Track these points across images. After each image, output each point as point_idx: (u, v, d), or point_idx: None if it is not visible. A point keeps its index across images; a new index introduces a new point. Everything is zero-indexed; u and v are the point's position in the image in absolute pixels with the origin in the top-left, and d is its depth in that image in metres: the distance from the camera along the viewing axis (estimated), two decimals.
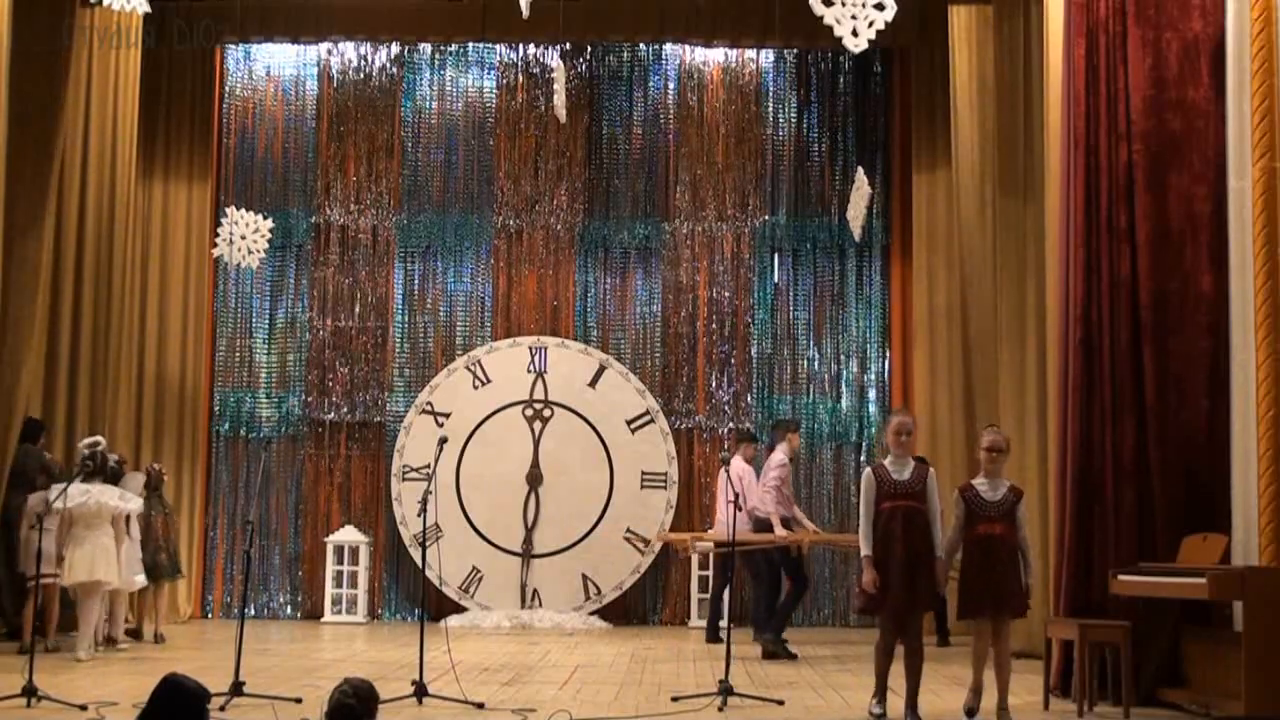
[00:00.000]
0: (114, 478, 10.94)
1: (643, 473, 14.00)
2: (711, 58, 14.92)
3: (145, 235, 14.10)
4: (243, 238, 12.90)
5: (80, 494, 10.26)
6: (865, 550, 7.56)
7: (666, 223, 14.78)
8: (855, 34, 8.88)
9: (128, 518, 10.86)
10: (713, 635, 12.17)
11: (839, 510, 14.42)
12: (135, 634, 11.84)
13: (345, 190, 14.81)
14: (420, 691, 8.10)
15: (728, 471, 9.89)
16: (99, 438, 10.94)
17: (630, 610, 14.17)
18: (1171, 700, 8.18)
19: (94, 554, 10.32)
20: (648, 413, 14.11)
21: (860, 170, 12.29)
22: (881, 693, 7.75)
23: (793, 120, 14.93)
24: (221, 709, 7.71)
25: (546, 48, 14.83)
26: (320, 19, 14.10)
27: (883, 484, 7.59)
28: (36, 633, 9.76)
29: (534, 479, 14.00)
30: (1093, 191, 8.88)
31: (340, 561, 13.88)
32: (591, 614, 13.73)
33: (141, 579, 11.47)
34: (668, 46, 14.86)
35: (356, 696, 5.07)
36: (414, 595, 14.12)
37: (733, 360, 14.60)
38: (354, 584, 13.88)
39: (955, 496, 7.83)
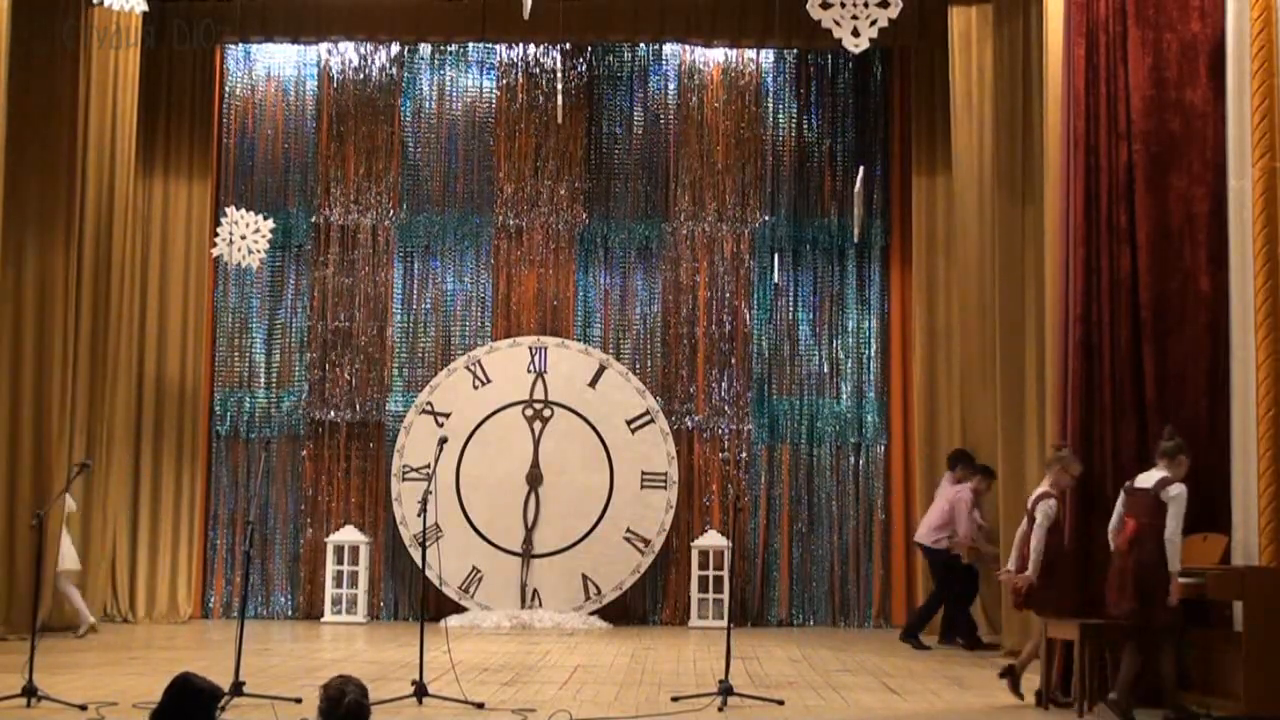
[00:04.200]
0: None
1: (643, 473, 14.00)
2: (711, 58, 14.90)
3: (145, 235, 14.10)
4: (243, 238, 12.90)
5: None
6: (1179, 565, 7.88)
7: (666, 223, 14.77)
8: (856, 34, 8.89)
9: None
10: (912, 637, 12.16)
11: (840, 511, 14.40)
12: None
13: (345, 190, 14.79)
14: (420, 691, 8.11)
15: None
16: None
17: (630, 610, 14.15)
18: None
19: (73, 547, 12.12)
20: (648, 413, 14.11)
21: (861, 170, 12.32)
22: None
23: (793, 121, 14.92)
24: (222, 709, 7.71)
25: (546, 48, 14.82)
26: (320, 19, 14.10)
27: None
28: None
29: (534, 479, 14.00)
30: (1093, 191, 8.89)
31: (340, 561, 13.87)
32: (591, 614, 13.72)
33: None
34: (668, 47, 14.84)
35: (363, 693, 5.07)
36: (414, 595, 14.10)
37: (733, 360, 14.59)
38: (354, 584, 13.87)
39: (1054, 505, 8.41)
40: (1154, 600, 7.84)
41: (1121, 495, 8.19)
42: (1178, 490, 7.88)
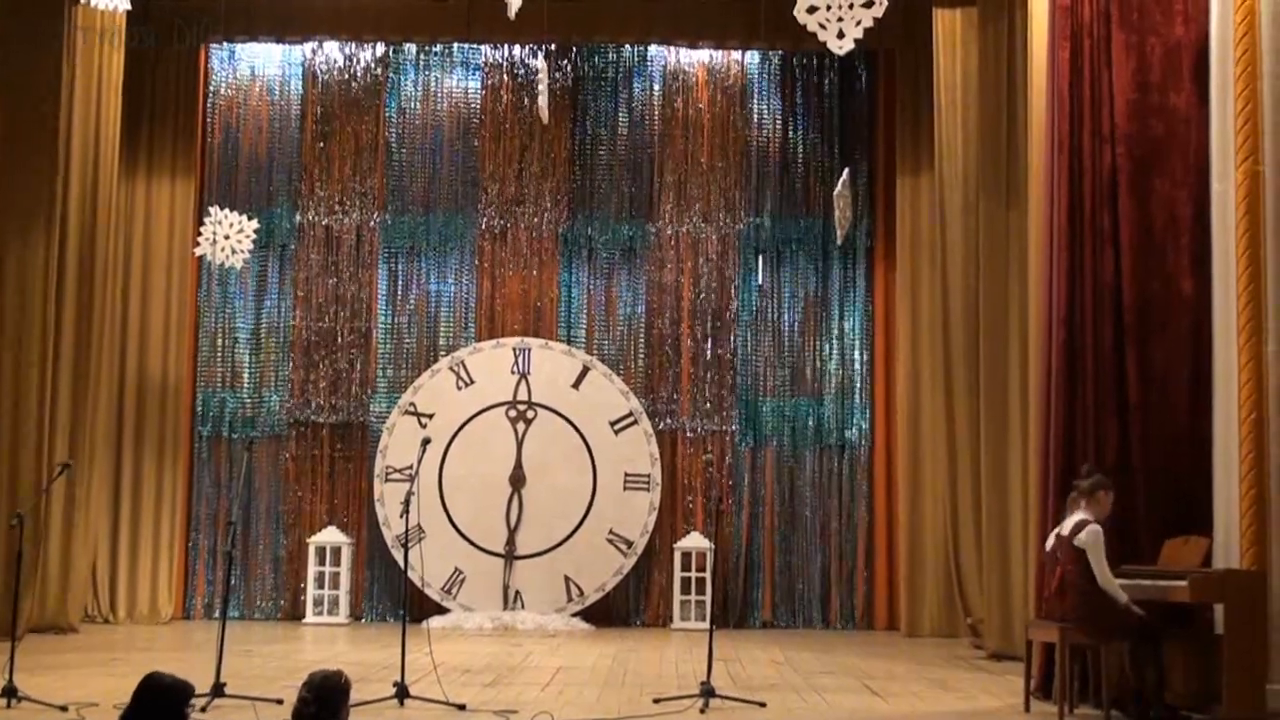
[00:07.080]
0: None
1: (625, 474, 13.99)
2: (696, 59, 14.91)
3: (128, 235, 14.04)
4: (226, 237, 12.85)
5: None
6: (1125, 597, 7.92)
7: (651, 224, 14.76)
8: (841, 35, 8.87)
9: None
10: None
11: (823, 513, 14.40)
12: None
13: (329, 190, 14.75)
14: (402, 693, 8.08)
15: None
16: None
17: (613, 612, 14.13)
18: None
19: None
20: (631, 414, 14.10)
21: (846, 171, 12.33)
22: None
23: (777, 122, 14.93)
24: (203, 710, 7.70)
25: (532, 48, 14.80)
26: (305, 19, 14.07)
27: None
28: None
29: (517, 480, 13.98)
30: (1076, 194, 8.91)
31: (322, 562, 13.84)
32: (574, 615, 13.70)
33: None
34: (653, 48, 14.84)
35: (333, 675, 5.10)
36: (396, 596, 14.07)
37: (717, 362, 14.59)
38: (336, 585, 13.84)
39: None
40: (1100, 631, 7.85)
41: (1052, 538, 8.18)
42: (1088, 535, 7.80)
